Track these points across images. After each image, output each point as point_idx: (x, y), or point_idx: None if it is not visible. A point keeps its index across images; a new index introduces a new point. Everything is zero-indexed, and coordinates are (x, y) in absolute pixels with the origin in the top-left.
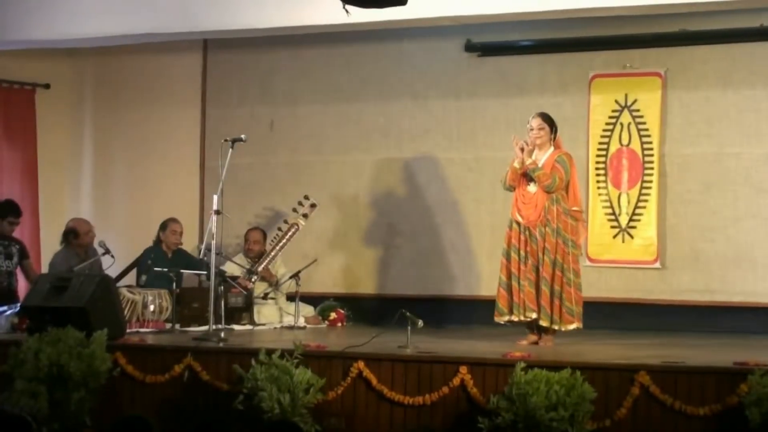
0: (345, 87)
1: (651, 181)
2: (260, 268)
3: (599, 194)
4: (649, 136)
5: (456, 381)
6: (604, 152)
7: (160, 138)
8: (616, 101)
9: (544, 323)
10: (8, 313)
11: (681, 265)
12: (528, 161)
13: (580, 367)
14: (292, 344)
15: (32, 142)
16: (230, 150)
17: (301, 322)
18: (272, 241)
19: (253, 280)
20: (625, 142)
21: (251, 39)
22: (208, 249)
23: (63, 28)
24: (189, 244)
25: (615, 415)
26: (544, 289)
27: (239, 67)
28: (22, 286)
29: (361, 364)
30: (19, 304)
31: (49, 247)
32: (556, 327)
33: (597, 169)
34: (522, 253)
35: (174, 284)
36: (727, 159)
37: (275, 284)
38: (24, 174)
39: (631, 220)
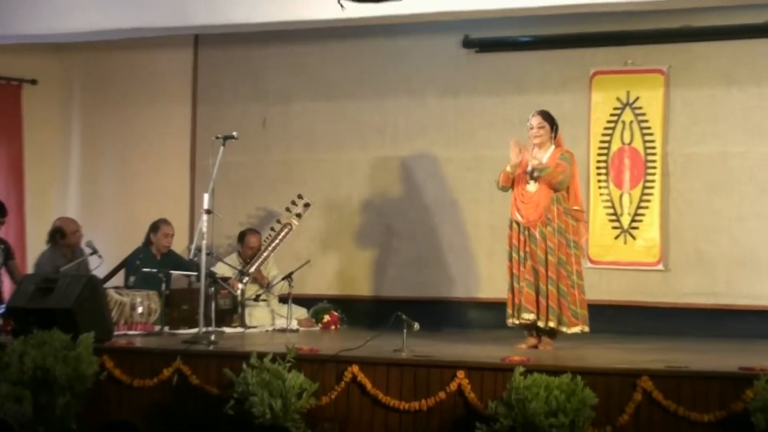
0: (340, 84)
1: (653, 181)
2: (252, 270)
3: (600, 194)
4: (651, 134)
5: (453, 386)
6: (605, 151)
7: (149, 135)
8: (618, 99)
9: (551, 324)
10: None
11: (684, 266)
12: (534, 162)
13: (581, 371)
14: (285, 347)
15: (18, 138)
16: (221, 148)
17: (294, 324)
18: (264, 241)
19: (244, 281)
20: (627, 140)
21: (243, 34)
22: (199, 249)
23: (50, 23)
24: (179, 244)
25: (617, 421)
26: (551, 289)
27: (231, 63)
28: (7, 287)
29: (355, 368)
30: (3, 306)
31: (35, 246)
32: (564, 329)
33: (598, 168)
34: (521, 253)
35: (163, 285)
36: (731, 158)
37: (267, 286)
38: (10, 172)
39: (633, 220)
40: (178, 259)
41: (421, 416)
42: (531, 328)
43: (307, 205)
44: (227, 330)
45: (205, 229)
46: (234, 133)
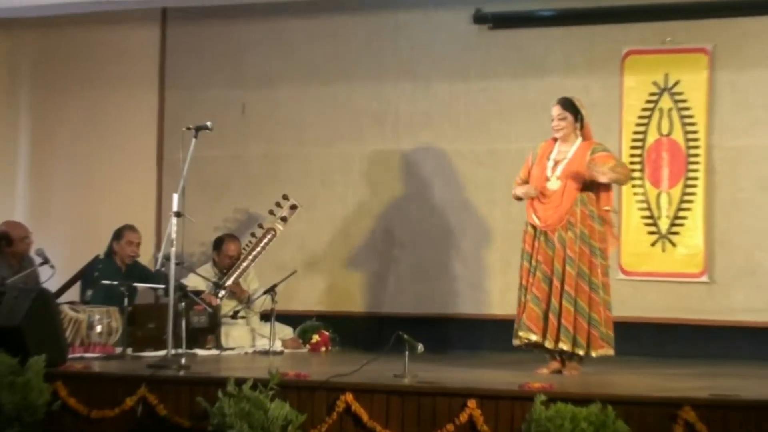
0: (331, 66)
1: (696, 179)
2: (229, 282)
3: (634, 194)
4: (693, 124)
5: (463, 417)
6: (640, 144)
7: (110, 126)
8: (655, 83)
9: (563, 346)
10: None
11: (733, 278)
12: (599, 169)
13: (613, 400)
14: (267, 372)
15: None
16: (193, 140)
17: (278, 346)
18: (244, 249)
19: (220, 295)
20: (665, 131)
21: (219, 8)
22: (167, 258)
23: None
24: (144, 252)
25: None
26: (566, 305)
27: (205, 41)
28: None
29: (349, 397)
30: None
31: None
32: (581, 352)
33: (632, 163)
34: (533, 261)
35: (126, 300)
36: None
37: (247, 301)
38: None
39: (672, 224)
40: (143, 270)
41: None
42: (554, 351)
43: (293, 207)
44: (200, 352)
45: (174, 235)
46: (208, 123)
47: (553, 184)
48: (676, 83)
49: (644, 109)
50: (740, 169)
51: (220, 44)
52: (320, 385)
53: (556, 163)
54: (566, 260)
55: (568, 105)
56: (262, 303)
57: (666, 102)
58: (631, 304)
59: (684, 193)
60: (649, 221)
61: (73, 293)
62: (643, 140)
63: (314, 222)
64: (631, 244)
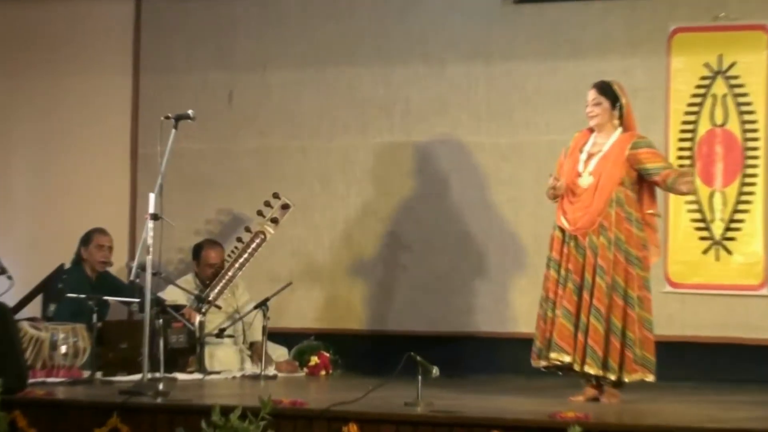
0: (332, 45)
1: (755, 175)
2: (213, 294)
3: None
4: (752, 112)
5: None
6: (689, 135)
7: (75, 115)
8: (707, 65)
9: (590, 369)
10: None
11: None
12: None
13: None
14: (258, 400)
15: None
16: (173, 131)
17: (271, 369)
18: (230, 256)
19: (203, 310)
20: (719, 121)
21: None
22: (142, 268)
23: None
24: (117, 260)
25: None
26: (594, 323)
27: (186, 17)
28: None
29: (353, 428)
30: None
31: None
32: (612, 376)
33: (680, 158)
34: (562, 271)
35: (95, 316)
36: None
37: (235, 317)
38: None
39: (728, 228)
40: (114, 282)
41: None
42: (590, 375)
43: (285, 207)
44: (181, 376)
45: (150, 241)
46: (189, 112)
47: (585, 181)
48: (732, 65)
49: (694, 96)
50: None
51: (204, 21)
52: (320, 415)
53: (590, 156)
54: (596, 270)
55: (606, 89)
56: (253, 319)
57: (720, 87)
58: (679, 321)
59: (741, 193)
60: (701, 225)
61: (34, 308)
62: (693, 131)
63: (311, 225)
64: (679, 251)
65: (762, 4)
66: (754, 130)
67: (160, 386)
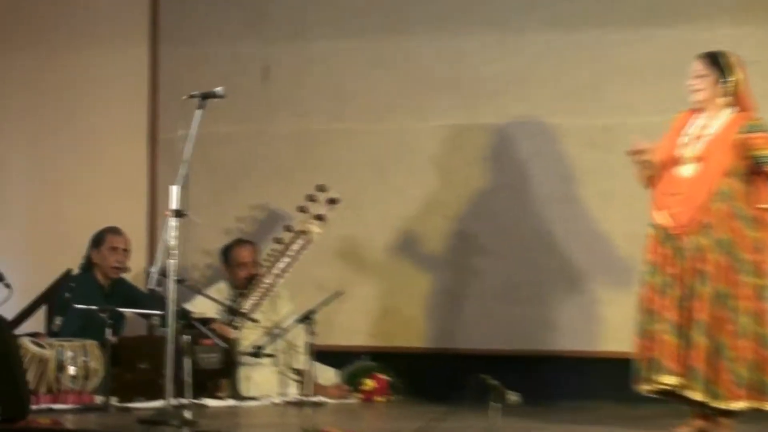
0: (382, 12)
1: None
2: (249, 305)
3: None
4: None
5: None
6: None
7: (84, 94)
8: None
9: (693, 394)
10: None
11: None
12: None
13: None
14: (301, 431)
15: None
16: (198, 113)
17: (318, 394)
18: (267, 260)
19: (237, 325)
20: None
21: None
22: (163, 274)
23: None
24: (133, 265)
25: None
26: (699, 338)
27: None
28: None
29: None
30: None
31: None
32: (720, 404)
33: None
34: (661, 277)
35: (108, 331)
36: None
37: (274, 332)
38: None
39: None
40: (131, 290)
41: None
42: (693, 402)
43: (333, 202)
44: (211, 403)
45: (173, 242)
46: (217, 89)
47: (686, 169)
48: None
49: None
50: None
51: None
52: None
53: (693, 140)
54: (700, 275)
55: (713, 61)
56: (296, 335)
57: None
58: None
59: None
60: None
61: (37, 322)
62: None
63: (363, 223)
64: None
65: None
66: None
67: (187, 414)
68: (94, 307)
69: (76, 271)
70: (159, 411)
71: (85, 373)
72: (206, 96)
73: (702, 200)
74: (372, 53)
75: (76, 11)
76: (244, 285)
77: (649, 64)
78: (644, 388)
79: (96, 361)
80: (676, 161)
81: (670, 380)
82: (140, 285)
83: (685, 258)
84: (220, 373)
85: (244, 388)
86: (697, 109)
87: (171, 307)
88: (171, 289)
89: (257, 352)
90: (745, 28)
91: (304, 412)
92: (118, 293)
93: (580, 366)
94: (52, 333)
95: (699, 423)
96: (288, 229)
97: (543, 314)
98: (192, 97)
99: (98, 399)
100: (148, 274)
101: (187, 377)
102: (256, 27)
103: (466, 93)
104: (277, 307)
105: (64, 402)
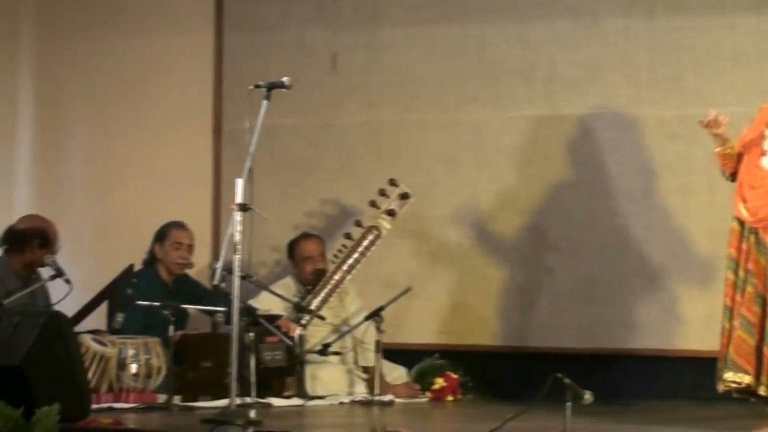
0: None
1: None
2: (316, 302)
3: None
4: None
5: None
6: None
7: (145, 83)
8: None
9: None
10: None
11: None
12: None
13: None
14: (370, 431)
15: None
16: (264, 103)
17: (387, 393)
18: (336, 256)
19: (304, 322)
20: None
21: None
22: (228, 270)
23: None
24: (197, 261)
25: None
26: None
27: None
28: None
29: None
30: None
31: None
32: None
33: None
34: (741, 272)
35: (171, 328)
36: None
37: (342, 330)
38: None
39: None
40: (196, 287)
41: None
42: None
43: (405, 197)
44: (276, 402)
45: (238, 237)
46: (284, 79)
47: (766, 160)
48: None
49: None
50: None
51: None
52: None
53: None
54: None
55: None
56: (364, 332)
57: None
58: None
59: None
60: None
61: (99, 318)
62: None
63: (434, 218)
64: None
65: None
66: None
67: (252, 414)
68: (156, 304)
69: (138, 266)
70: (223, 410)
71: (148, 372)
72: (272, 86)
73: None
74: (445, 40)
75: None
76: (310, 280)
77: (733, 53)
78: (719, 387)
79: (158, 359)
80: (759, 153)
81: (743, 379)
82: (204, 281)
83: (763, 254)
84: (286, 372)
85: (311, 387)
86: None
87: (236, 304)
88: (236, 286)
89: (324, 350)
90: None
91: (372, 412)
92: (181, 289)
93: (657, 365)
94: (113, 330)
95: None
96: (358, 224)
97: (619, 312)
98: (257, 87)
99: (161, 398)
100: (212, 269)
101: (252, 376)
102: (323, 13)
103: (541, 83)
104: (344, 303)
105: (126, 401)
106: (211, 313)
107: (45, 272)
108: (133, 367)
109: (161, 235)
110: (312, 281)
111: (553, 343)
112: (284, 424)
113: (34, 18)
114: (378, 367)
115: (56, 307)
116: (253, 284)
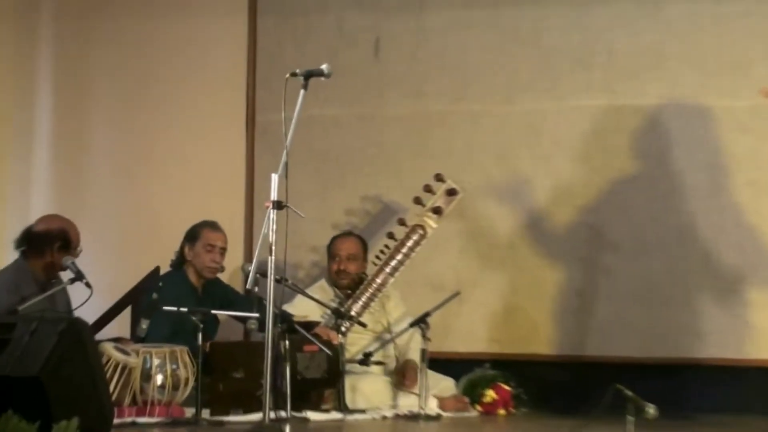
0: None
1: None
2: (357, 307)
3: None
4: None
5: None
6: None
7: (174, 71)
8: None
9: None
10: None
11: None
12: None
13: None
14: None
15: None
16: (302, 93)
17: (433, 406)
18: (379, 257)
19: (343, 329)
20: None
21: None
22: (262, 273)
23: None
24: (229, 263)
25: None
26: None
27: None
28: None
29: None
30: None
31: None
32: None
33: None
34: None
35: (200, 336)
36: None
37: (385, 338)
38: None
39: None
40: (225, 291)
41: None
42: None
43: (452, 194)
44: (314, 416)
45: (273, 237)
46: (323, 67)
47: None
48: None
49: None
50: None
51: None
52: None
53: None
54: None
55: None
56: (409, 340)
57: None
58: None
59: None
60: None
61: (122, 325)
62: None
63: (485, 216)
64: None
65: None
66: None
67: (287, 429)
68: (184, 309)
69: (165, 269)
70: (256, 425)
71: (174, 383)
72: (310, 74)
73: None
74: (495, 26)
75: None
76: (343, 283)
77: None
78: None
79: (186, 370)
80: None
81: None
82: (236, 284)
83: None
84: (325, 383)
85: (351, 400)
86: None
87: (270, 310)
88: (270, 290)
89: (366, 360)
90: None
91: (418, 427)
92: (211, 294)
93: (726, 375)
94: (137, 338)
95: None
96: (402, 223)
97: (684, 318)
98: (294, 75)
99: (188, 412)
100: (245, 272)
101: (287, 388)
102: None
103: (600, 71)
104: (387, 309)
105: (151, 415)
106: (243, 320)
107: (66, 276)
108: (159, 378)
109: (192, 236)
110: (345, 284)
111: (613, 352)
112: None
113: (53, 10)
114: (424, 377)
115: (76, 313)
116: (289, 288)
